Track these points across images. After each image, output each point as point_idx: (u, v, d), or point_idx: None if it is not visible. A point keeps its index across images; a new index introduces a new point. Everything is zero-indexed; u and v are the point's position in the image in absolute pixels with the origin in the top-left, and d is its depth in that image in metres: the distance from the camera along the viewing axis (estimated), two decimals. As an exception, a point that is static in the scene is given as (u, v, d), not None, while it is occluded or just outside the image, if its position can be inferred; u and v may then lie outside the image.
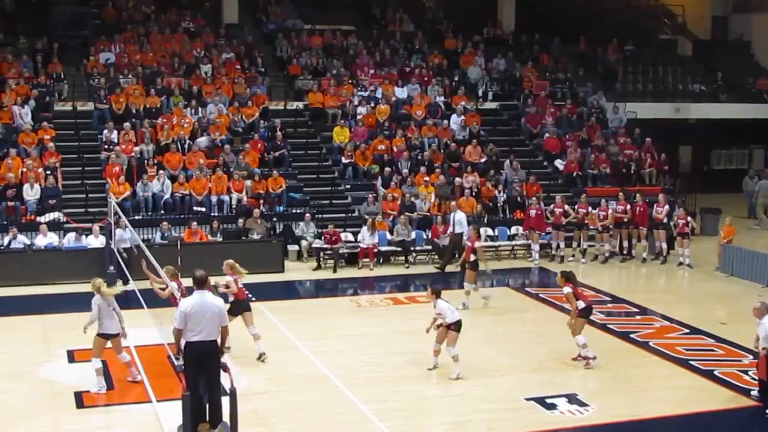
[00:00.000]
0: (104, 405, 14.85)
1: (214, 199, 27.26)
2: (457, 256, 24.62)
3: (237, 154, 28.98)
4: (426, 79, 34.69)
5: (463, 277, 21.45)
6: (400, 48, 36.85)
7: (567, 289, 16.85)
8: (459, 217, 25.68)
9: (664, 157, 32.45)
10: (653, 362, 17.26)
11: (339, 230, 26.33)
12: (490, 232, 27.60)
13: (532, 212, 26.88)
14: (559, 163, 31.79)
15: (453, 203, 27.13)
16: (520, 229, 27.69)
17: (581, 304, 16.83)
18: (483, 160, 30.68)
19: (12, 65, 31.41)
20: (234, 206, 27.29)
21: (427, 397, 15.23)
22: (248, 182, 27.80)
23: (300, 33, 36.55)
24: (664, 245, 26.91)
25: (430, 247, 26.88)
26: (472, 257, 21.01)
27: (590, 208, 27.13)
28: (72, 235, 24.72)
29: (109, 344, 15.28)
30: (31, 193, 26.04)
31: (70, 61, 32.86)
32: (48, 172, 26.78)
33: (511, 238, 27.91)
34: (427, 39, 37.98)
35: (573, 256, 26.97)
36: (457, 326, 15.91)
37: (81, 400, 14.88)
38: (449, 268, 25.20)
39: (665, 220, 27.11)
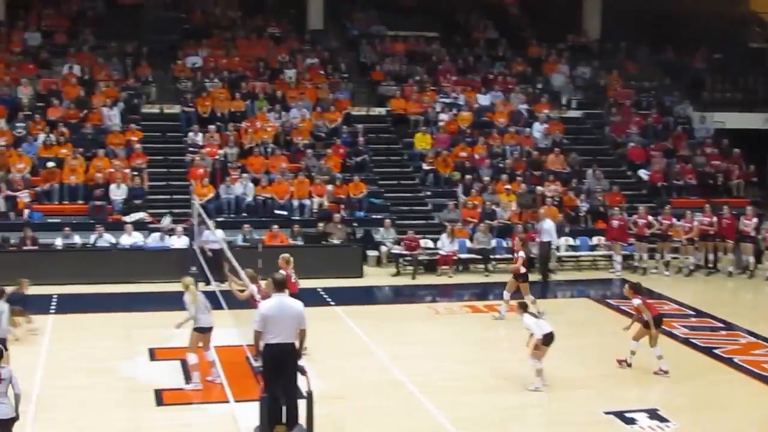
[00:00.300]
0: (183, 403, 15.01)
1: (295, 202, 27.46)
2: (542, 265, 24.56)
3: (319, 158, 29.17)
4: (509, 86, 34.54)
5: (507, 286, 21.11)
6: (484, 55, 36.75)
7: (637, 301, 16.69)
8: (547, 226, 25.50)
9: (752, 169, 31.85)
10: (738, 379, 16.85)
11: (418, 236, 26.32)
12: (571, 241, 27.34)
13: (615, 222, 26.58)
14: (643, 173, 31.38)
15: (541, 211, 26.91)
16: (602, 239, 27.37)
17: (649, 315, 16.62)
18: (565, 168, 30.44)
19: (102, 68, 32.06)
20: (315, 210, 27.45)
21: (503, 407, 15.06)
22: (329, 187, 27.94)
23: (384, 39, 36.65)
24: (752, 259, 26.42)
25: (510, 256, 26.68)
26: (523, 269, 20.78)
27: (674, 220, 26.75)
28: (156, 235, 25.13)
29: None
30: (118, 193, 26.54)
31: (158, 65, 33.41)
32: (134, 173, 27.27)
33: (593, 248, 27.63)
34: (511, 46, 37.79)
35: (656, 268, 26.60)
36: (546, 340, 15.60)
37: (161, 397, 15.08)
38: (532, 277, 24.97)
39: (753, 234, 26.58)
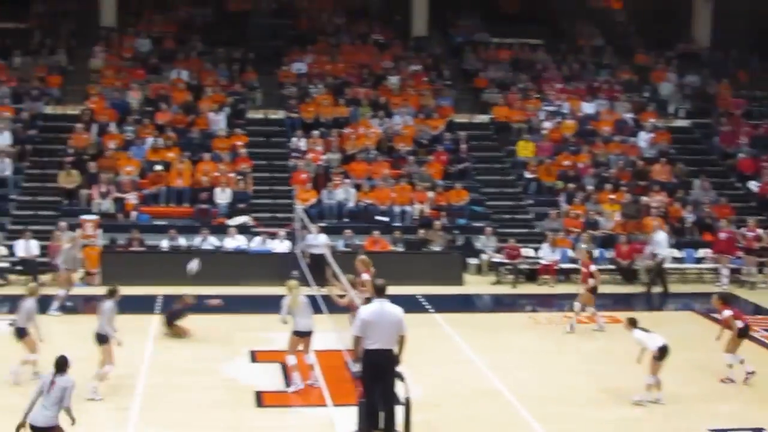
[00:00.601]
0: (282, 405, 15.17)
1: (396, 209, 27.53)
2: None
3: (421, 165, 29.20)
4: (614, 94, 34.12)
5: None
6: (589, 62, 36.40)
7: (727, 312, 16.44)
8: (660, 238, 25.14)
9: None
10: None
11: (520, 245, 26.17)
12: (676, 253, 26.85)
13: (722, 235, 26.08)
14: (753, 185, 30.65)
15: (655, 223, 26.50)
16: (709, 252, 26.83)
17: (740, 324, 16.38)
18: (672, 179, 29.94)
19: (210, 74, 32.61)
20: (416, 217, 27.48)
21: (603, 420, 14.85)
22: (431, 194, 27.95)
23: (488, 46, 36.57)
24: None
25: (612, 267, 26.39)
26: (591, 282, 20.47)
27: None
28: (259, 238, 25.44)
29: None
30: (223, 197, 26.95)
31: (264, 71, 33.86)
32: (239, 177, 27.64)
33: (699, 260, 27.11)
34: (617, 53, 37.37)
35: (765, 283, 25.99)
36: (660, 354, 15.28)
37: (260, 398, 15.25)
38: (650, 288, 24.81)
39: None
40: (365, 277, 17.44)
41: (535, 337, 20.19)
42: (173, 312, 19.18)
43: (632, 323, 15.90)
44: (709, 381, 16.84)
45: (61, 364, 11.83)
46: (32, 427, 11.41)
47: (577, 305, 20.58)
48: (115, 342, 15.71)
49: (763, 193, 30.11)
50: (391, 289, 13.05)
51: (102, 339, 15.65)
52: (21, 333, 15.80)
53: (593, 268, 20.85)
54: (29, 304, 15.90)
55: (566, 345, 19.44)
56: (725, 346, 16.59)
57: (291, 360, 15.70)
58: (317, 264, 22.57)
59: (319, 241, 23.54)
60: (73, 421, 11.77)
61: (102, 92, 30.94)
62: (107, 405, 14.79)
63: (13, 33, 34.32)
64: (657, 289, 25.31)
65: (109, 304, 15.86)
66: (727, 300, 16.82)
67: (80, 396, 14.82)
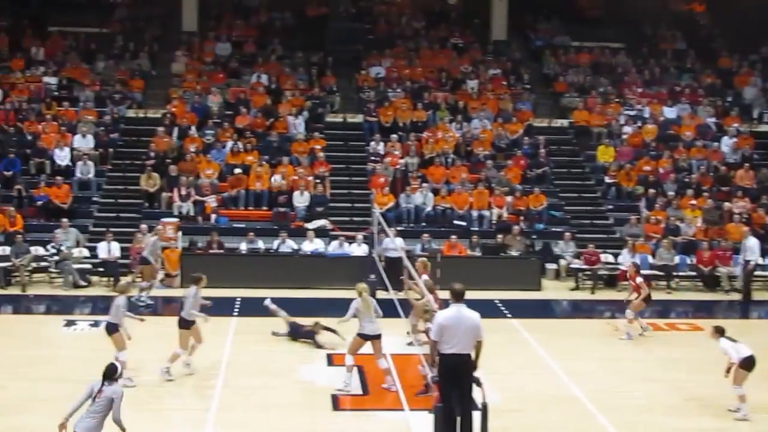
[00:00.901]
0: (358, 409, 15.19)
1: (474, 213, 27.46)
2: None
3: (499, 169, 29.07)
4: (697, 98, 33.63)
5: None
6: (671, 66, 35.94)
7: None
8: (751, 244, 24.75)
9: None
10: None
11: (599, 251, 25.91)
12: (761, 260, 26.33)
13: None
14: (839, 191, 30.02)
15: (746, 228, 26.06)
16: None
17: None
18: (755, 185, 29.41)
19: (289, 78, 32.85)
20: (494, 222, 27.37)
21: (683, 429, 14.64)
22: (509, 198, 27.83)
23: (568, 50, 36.32)
24: None
25: (693, 273, 26.01)
26: (643, 292, 20.18)
27: None
28: (336, 242, 25.54)
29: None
30: (301, 200, 27.12)
31: (342, 75, 34.03)
32: (317, 181, 27.79)
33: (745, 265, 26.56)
34: (700, 57, 36.83)
35: None
36: (746, 364, 14.88)
37: (337, 402, 15.30)
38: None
39: None
40: (424, 278, 17.45)
41: (613, 343, 19.97)
42: (303, 332, 19.19)
43: (719, 332, 15.50)
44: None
45: (110, 373, 11.60)
46: None
47: (629, 313, 20.33)
48: (202, 320, 16.39)
49: None
50: (469, 294, 12.98)
51: (185, 324, 16.27)
52: (111, 329, 16.04)
53: (639, 280, 20.57)
54: (120, 301, 16.15)
55: (647, 352, 19.18)
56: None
57: (349, 360, 15.81)
58: (393, 267, 22.56)
59: (395, 245, 23.54)
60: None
61: (183, 96, 31.37)
62: (186, 406, 14.96)
63: (96, 37, 35.02)
64: (736, 297, 24.91)
65: (192, 290, 16.42)
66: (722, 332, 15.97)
67: (160, 397, 15.06)
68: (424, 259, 18.31)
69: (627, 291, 24.74)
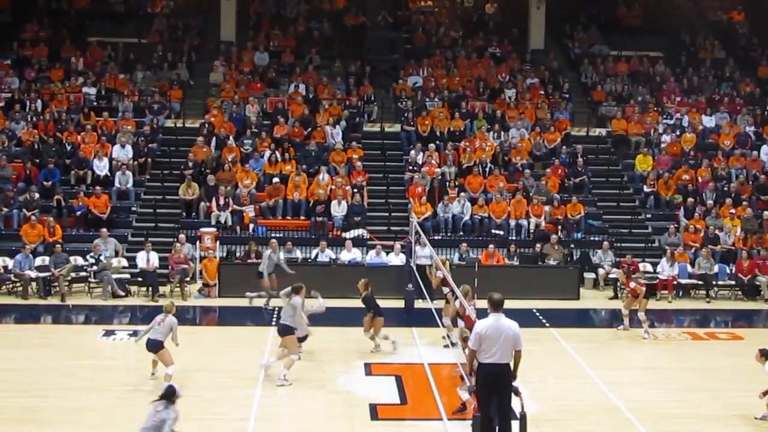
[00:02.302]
0: (397, 419, 15.17)
1: (512, 222, 27.39)
2: None
3: (537, 178, 29.00)
4: (736, 107, 33.41)
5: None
6: (710, 75, 35.72)
7: None
8: None
9: None
10: None
11: (637, 260, 25.78)
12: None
13: None
14: None
15: None
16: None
17: None
18: (795, 193, 29.19)
19: (326, 87, 32.96)
20: (532, 231, 27.29)
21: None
22: (547, 207, 27.74)
23: (606, 59, 36.23)
24: None
25: (733, 282, 25.81)
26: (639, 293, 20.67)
27: None
28: (374, 251, 25.54)
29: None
30: (339, 210, 27.16)
31: (380, 84, 34.11)
32: (355, 190, 27.82)
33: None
34: (739, 66, 36.62)
35: None
36: None
37: (375, 411, 15.29)
38: None
39: None
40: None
41: (652, 352, 19.86)
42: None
43: (765, 356, 15.28)
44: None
45: (168, 395, 11.79)
46: None
47: (641, 315, 20.67)
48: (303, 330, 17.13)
49: None
50: (507, 304, 12.96)
51: (286, 330, 16.85)
52: (156, 346, 16.19)
53: (633, 285, 20.91)
54: (170, 320, 16.31)
55: (687, 361, 19.06)
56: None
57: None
58: (424, 276, 22.65)
59: (426, 253, 23.56)
60: None
61: (221, 106, 31.53)
62: (226, 416, 14.99)
63: (135, 48, 35.35)
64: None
65: (297, 300, 17.03)
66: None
67: (200, 406, 15.13)
68: (443, 257, 18.62)
69: (666, 300, 24.90)
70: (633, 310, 21.09)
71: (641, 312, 20.76)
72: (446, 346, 18.51)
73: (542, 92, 33.71)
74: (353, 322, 20.48)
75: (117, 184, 27.99)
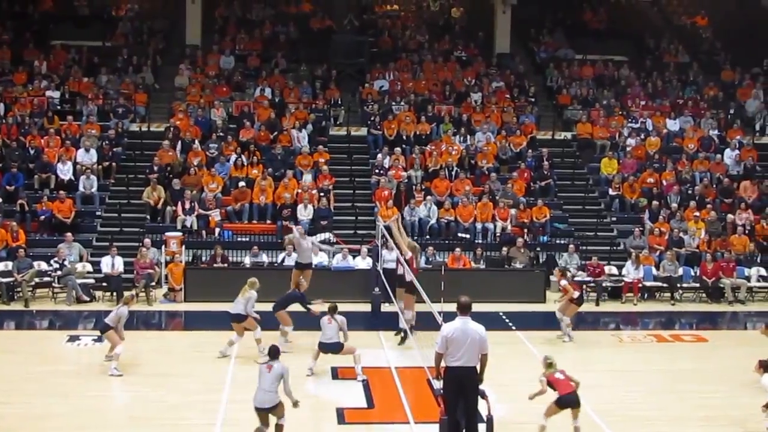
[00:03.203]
0: (364, 422, 15.15)
1: (478, 226, 27.44)
2: None
3: (503, 182, 29.08)
4: (700, 111, 33.67)
5: None
6: (674, 79, 35.97)
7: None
8: None
9: None
10: None
11: (603, 263, 25.92)
12: (763, 272, 26.38)
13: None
14: (843, 203, 30.03)
15: None
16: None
17: None
18: (758, 197, 29.39)
19: (293, 91, 32.88)
20: (498, 234, 27.36)
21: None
22: (513, 211, 27.82)
23: (571, 63, 36.39)
24: None
25: (697, 285, 25.99)
26: (569, 295, 20.45)
27: None
28: (340, 255, 25.50)
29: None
30: (305, 214, 27.10)
31: (346, 88, 34.10)
32: (321, 194, 27.78)
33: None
34: (703, 70, 36.94)
35: None
36: None
37: (342, 416, 15.24)
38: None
39: None
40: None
41: (618, 355, 19.96)
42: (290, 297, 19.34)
43: (764, 366, 15.31)
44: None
45: (274, 352, 13.68)
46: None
47: (565, 318, 20.58)
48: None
49: None
50: (474, 307, 12.97)
51: (335, 347, 17.25)
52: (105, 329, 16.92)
53: (563, 282, 20.74)
54: (123, 311, 17.26)
55: (652, 363, 19.15)
56: None
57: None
58: (390, 279, 22.70)
59: (392, 257, 23.59)
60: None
61: (187, 109, 31.36)
62: (192, 421, 14.90)
63: (100, 51, 35.08)
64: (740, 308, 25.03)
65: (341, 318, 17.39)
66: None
67: (166, 411, 15.02)
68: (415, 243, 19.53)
69: (631, 303, 25.07)
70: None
71: (567, 316, 20.62)
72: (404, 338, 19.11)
73: (508, 96, 33.81)
74: (319, 326, 20.45)
75: (81, 189, 27.77)
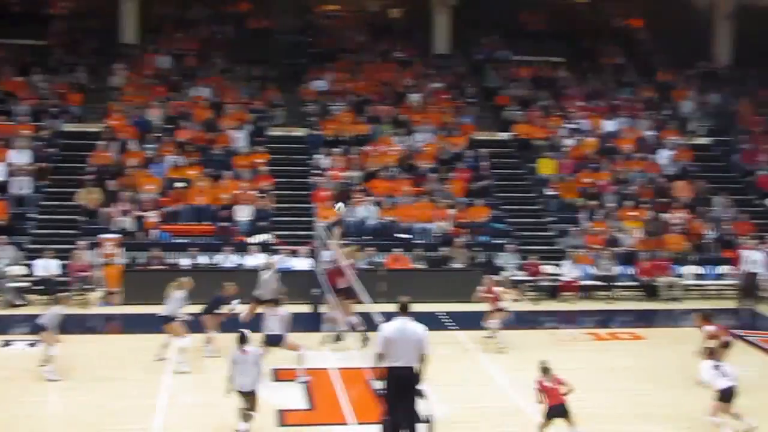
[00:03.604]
0: (305, 424, 15.09)
1: (418, 226, 27.48)
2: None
3: (442, 182, 29.16)
4: (636, 112, 34.06)
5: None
6: (610, 80, 36.33)
7: (710, 328, 17.05)
8: (756, 257, 25.05)
9: None
10: None
11: (541, 262, 26.11)
12: (697, 270, 26.77)
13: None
14: (773, 202, 30.60)
15: (748, 242, 26.28)
16: (730, 268, 26.65)
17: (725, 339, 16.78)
18: (692, 196, 29.80)
19: (231, 91, 32.70)
20: (437, 234, 27.42)
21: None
22: (452, 211, 27.91)
23: (509, 64, 36.57)
24: None
25: (633, 283, 26.29)
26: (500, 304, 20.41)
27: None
28: (279, 256, 25.37)
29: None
30: (243, 215, 26.94)
31: (285, 88, 33.94)
32: (260, 195, 27.65)
33: (719, 277, 26.99)
34: (639, 72, 37.35)
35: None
36: (723, 395, 14.44)
37: (283, 417, 15.17)
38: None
39: None
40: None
41: (557, 353, 19.98)
42: (216, 300, 19.10)
43: (710, 354, 15.64)
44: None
45: (244, 337, 14.16)
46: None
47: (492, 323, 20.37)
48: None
49: (784, 210, 30.01)
50: (413, 307, 12.97)
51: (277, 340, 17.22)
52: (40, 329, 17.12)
53: (496, 289, 20.76)
54: (56, 310, 17.34)
55: (590, 362, 19.30)
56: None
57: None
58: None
59: (330, 257, 23.59)
60: None
61: (123, 110, 31.00)
62: (130, 426, 14.73)
63: (33, 50, 34.47)
64: (675, 305, 25.34)
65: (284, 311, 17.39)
66: (709, 317, 17.31)
67: (103, 416, 14.85)
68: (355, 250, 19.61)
69: (569, 302, 25.26)
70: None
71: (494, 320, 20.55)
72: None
73: (447, 97, 33.92)
74: (259, 328, 20.34)
75: (15, 190, 27.33)
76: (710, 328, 16.97)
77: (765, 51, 37.65)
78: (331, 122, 31.32)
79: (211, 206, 27.40)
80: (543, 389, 13.99)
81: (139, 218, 26.61)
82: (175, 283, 18.43)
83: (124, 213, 26.48)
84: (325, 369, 17.90)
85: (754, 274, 25.16)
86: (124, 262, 25.20)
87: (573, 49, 38.74)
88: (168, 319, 18.02)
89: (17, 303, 23.49)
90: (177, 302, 18.08)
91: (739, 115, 34.82)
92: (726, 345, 16.84)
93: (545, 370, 14.18)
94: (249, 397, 13.93)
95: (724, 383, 14.49)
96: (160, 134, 29.94)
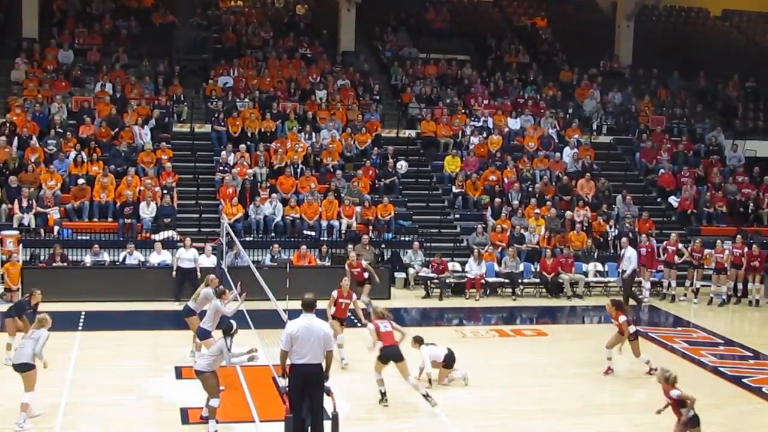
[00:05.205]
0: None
1: (324, 223, 27.47)
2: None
3: (348, 179, 29.19)
4: (540, 110, 34.51)
5: None
6: (515, 79, 36.74)
7: (622, 318, 17.67)
8: (629, 254, 25.36)
9: (783, 197, 31.61)
10: (766, 409, 16.68)
11: (446, 259, 26.29)
12: (600, 267, 27.21)
13: (644, 249, 26.35)
14: (673, 200, 31.25)
15: (624, 239, 26.61)
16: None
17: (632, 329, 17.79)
18: (595, 194, 30.31)
19: (134, 86, 32.25)
20: (343, 231, 27.45)
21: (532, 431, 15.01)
22: (358, 208, 27.96)
23: (415, 62, 36.73)
24: (781, 288, 26.19)
25: (537, 280, 26.63)
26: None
27: (705, 251, 26.54)
28: (182, 249, 25.12)
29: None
30: (148, 211, 26.64)
31: (190, 84, 33.64)
32: (164, 192, 27.35)
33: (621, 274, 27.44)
34: (542, 70, 37.84)
35: (685, 295, 26.43)
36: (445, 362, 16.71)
37: (186, 415, 15.05)
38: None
39: (783, 263, 26.33)
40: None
41: (461, 350, 20.16)
42: (21, 305, 18.47)
43: (418, 341, 16.97)
44: (635, 391, 17.05)
45: (229, 329, 14.53)
46: None
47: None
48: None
49: (683, 208, 30.67)
50: (319, 304, 12.98)
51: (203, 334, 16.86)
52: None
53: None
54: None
55: (494, 358, 19.52)
56: (609, 341, 17.90)
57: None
58: (186, 278, 23.09)
59: (189, 256, 23.47)
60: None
61: (23, 105, 30.35)
62: (27, 426, 14.44)
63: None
64: (579, 302, 25.75)
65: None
66: (620, 306, 17.99)
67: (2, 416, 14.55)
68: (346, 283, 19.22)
69: (474, 298, 25.49)
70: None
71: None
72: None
73: (353, 94, 33.95)
74: (163, 326, 20.20)
75: None
76: (623, 318, 17.54)
77: (666, 51, 38.64)
78: (236, 119, 31.09)
79: (114, 203, 27.00)
80: (377, 329, 15.51)
81: (41, 215, 26.11)
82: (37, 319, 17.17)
83: (25, 209, 25.94)
84: (230, 366, 17.78)
85: (633, 273, 25.51)
86: (25, 259, 24.71)
87: (478, 47, 39.12)
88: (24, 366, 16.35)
89: None
90: (38, 342, 16.27)
91: (639, 115, 35.50)
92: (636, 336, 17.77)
93: (381, 315, 15.85)
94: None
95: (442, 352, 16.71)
96: (61, 130, 29.37)
